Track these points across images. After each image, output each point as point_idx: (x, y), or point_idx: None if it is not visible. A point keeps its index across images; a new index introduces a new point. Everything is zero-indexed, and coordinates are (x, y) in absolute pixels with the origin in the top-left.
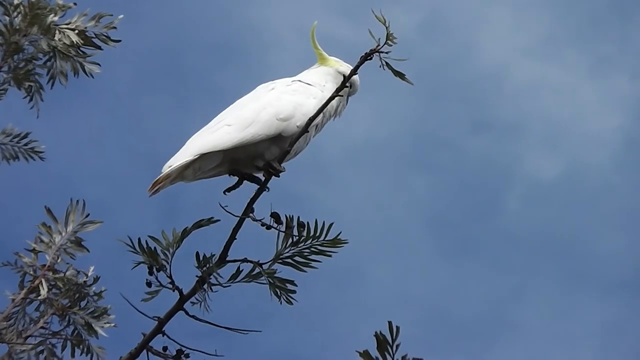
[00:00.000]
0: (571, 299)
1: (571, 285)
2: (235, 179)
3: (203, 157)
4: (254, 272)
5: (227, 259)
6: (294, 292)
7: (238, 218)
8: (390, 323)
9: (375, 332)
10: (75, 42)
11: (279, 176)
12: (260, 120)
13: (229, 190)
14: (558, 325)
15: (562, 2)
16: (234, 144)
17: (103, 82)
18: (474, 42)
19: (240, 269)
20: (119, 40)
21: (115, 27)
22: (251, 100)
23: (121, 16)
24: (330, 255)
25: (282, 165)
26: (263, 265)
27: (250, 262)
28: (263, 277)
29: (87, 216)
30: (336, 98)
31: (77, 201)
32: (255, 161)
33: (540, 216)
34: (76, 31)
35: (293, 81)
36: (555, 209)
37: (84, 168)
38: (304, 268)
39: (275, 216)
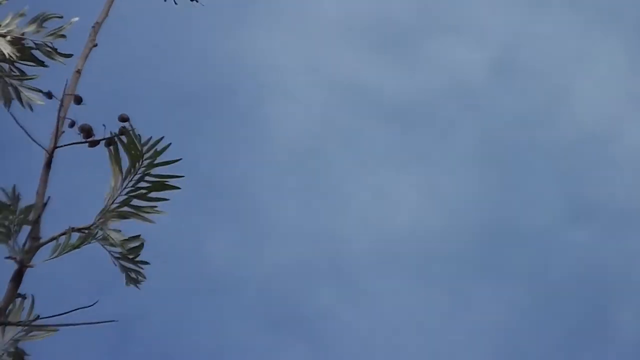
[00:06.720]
0: None
1: None
2: None
3: None
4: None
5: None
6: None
7: None
8: None
9: None
10: (8, 55)
11: None
12: None
13: None
14: None
15: None
16: None
17: None
18: (569, 88)
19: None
20: (70, 55)
21: (64, 35)
22: None
23: (76, 18)
24: (179, 188)
25: None
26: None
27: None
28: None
29: None
30: None
31: None
32: None
33: None
34: (9, 38)
35: None
36: None
37: None
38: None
39: (85, 129)
